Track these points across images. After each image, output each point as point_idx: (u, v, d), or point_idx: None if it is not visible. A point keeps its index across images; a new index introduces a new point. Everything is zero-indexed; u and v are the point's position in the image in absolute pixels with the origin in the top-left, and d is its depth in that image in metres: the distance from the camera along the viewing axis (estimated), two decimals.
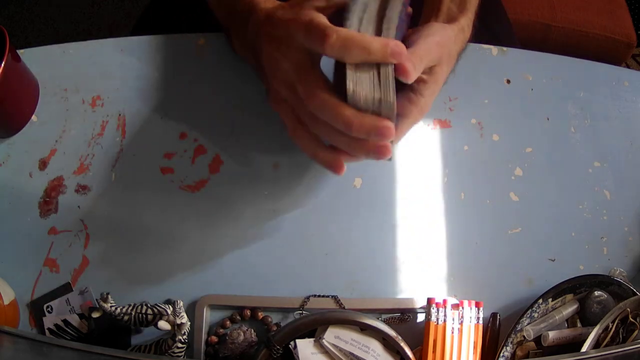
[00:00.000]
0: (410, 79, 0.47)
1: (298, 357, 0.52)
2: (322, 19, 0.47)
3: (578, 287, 0.57)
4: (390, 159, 0.50)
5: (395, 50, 0.45)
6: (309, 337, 0.53)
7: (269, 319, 0.57)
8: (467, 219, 0.62)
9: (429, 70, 0.52)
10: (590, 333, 0.53)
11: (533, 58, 0.69)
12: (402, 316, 0.58)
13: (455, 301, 0.56)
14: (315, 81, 0.48)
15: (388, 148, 0.48)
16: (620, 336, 0.54)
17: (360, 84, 0.46)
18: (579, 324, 0.56)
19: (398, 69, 0.47)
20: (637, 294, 0.55)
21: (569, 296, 0.57)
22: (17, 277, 0.59)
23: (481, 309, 0.55)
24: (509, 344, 0.55)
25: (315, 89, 0.47)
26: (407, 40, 0.52)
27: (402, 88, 0.51)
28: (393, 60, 0.46)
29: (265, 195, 0.61)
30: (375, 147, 0.47)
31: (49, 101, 0.65)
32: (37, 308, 0.58)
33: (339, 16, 0.49)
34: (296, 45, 0.48)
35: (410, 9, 0.53)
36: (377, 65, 0.46)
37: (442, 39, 0.52)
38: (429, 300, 0.55)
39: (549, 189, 0.64)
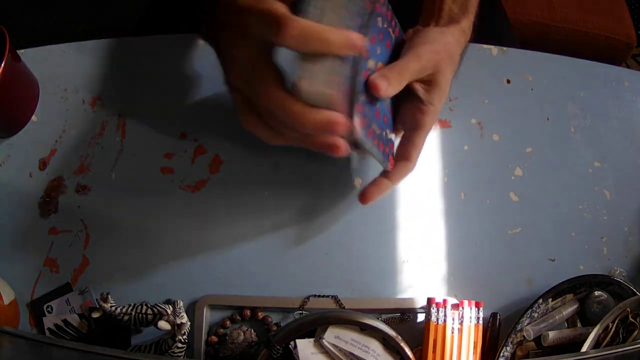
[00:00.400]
0: (384, 94, 0.47)
1: (298, 357, 0.52)
2: (281, 8, 0.44)
3: (578, 287, 0.57)
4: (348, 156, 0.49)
5: (356, 43, 0.43)
6: (309, 337, 0.53)
7: (269, 319, 0.57)
8: (467, 219, 0.62)
9: (430, 78, 0.52)
10: (590, 333, 0.53)
11: (533, 58, 0.69)
12: (402, 316, 0.58)
13: (455, 301, 0.56)
14: (268, 75, 0.45)
15: (337, 145, 0.46)
16: (620, 336, 0.54)
17: (312, 77, 0.43)
18: (579, 324, 0.56)
19: (369, 85, 0.46)
20: (637, 294, 0.55)
21: (569, 296, 0.57)
22: (17, 277, 0.59)
23: (481, 309, 0.55)
24: (509, 344, 0.55)
25: (268, 83, 0.45)
26: (401, 47, 0.53)
27: (410, 101, 0.52)
28: (351, 53, 0.44)
29: (265, 196, 0.61)
30: (325, 144, 0.47)
31: (49, 101, 0.65)
32: (37, 308, 0.58)
33: (299, 5, 0.46)
34: (252, 34, 0.46)
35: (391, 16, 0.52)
36: (333, 58, 0.44)
37: (439, 45, 0.52)
38: (429, 300, 0.55)
39: (549, 189, 0.64)
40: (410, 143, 0.54)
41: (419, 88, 0.52)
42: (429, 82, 0.52)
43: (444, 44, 0.53)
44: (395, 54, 0.53)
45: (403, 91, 0.50)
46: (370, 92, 0.47)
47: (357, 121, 0.45)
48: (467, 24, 0.57)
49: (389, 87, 0.47)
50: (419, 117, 0.53)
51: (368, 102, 0.47)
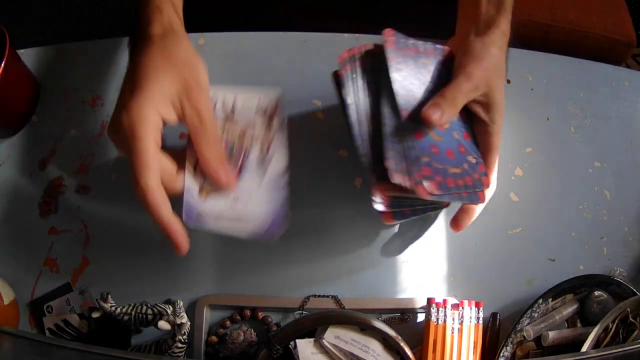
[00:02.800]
0: (439, 124, 0.47)
1: (298, 357, 0.52)
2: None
3: (578, 287, 0.57)
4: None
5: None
6: (309, 337, 0.53)
7: (269, 319, 0.57)
8: None
9: (486, 97, 0.51)
10: (590, 333, 0.53)
11: (533, 58, 0.69)
12: (402, 316, 0.58)
13: (455, 301, 0.56)
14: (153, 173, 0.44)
15: (180, 248, 0.46)
16: (620, 336, 0.54)
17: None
18: (579, 324, 0.56)
19: (423, 118, 0.47)
20: (637, 294, 0.55)
21: (569, 296, 0.57)
22: (17, 277, 0.59)
23: (481, 309, 0.55)
24: (509, 344, 0.55)
25: (149, 186, 0.44)
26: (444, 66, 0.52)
27: (474, 123, 0.53)
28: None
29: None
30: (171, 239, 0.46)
31: (49, 101, 0.65)
32: (37, 308, 0.58)
33: None
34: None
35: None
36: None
37: (487, 61, 0.51)
38: (429, 300, 0.55)
39: (549, 189, 0.64)
40: (486, 166, 0.53)
41: (479, 110, 0.52)
42: (486, 101, 0.52)
43: (490, 58, 0.51)
44: (441, 72, 0.52)
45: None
46: (426, 125, 0.47)
47: (427, 186, 0.46)
48: (505, 24, 0.55)
49: (442, 115, 0.47)
50: (487, 140, 0.53)
51: (434, 154, 0.48)
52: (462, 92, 0.49)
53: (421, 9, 0.74)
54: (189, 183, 0.49)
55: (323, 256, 0.60)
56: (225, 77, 0.66)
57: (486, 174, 0.52)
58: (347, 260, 0.60)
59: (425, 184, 0.46)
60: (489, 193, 0.54)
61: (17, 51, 0.61)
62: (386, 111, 0.49)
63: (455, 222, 0.56)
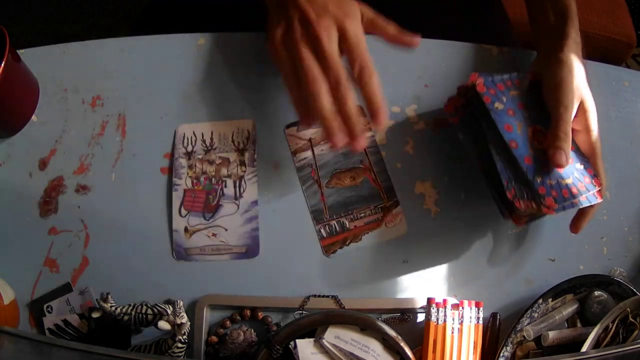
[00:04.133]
0: (567, 163, 0.53)
1: (298, 357, 0.52)
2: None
3: (578, 287, 0.57)
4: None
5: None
6: (309, 337, 0.53)
7: (269, 319, 0.57)
8: (467, 218, 0.62)
9: (579, 108, 0.56)
10: (590, 333, 0.53)
11: (533, 58, 0.69)
12: (402, 316, 0.58)
13: (455, 301, 0.56)
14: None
15: (358, 147, 0.51)
16: (620, 336, 0.54)
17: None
18: (579, 324, 0.56)
19: (554, 164, 0.53)
20: (637, 294, 0.55)
21: (569, 296, 0.57)
22: (17, 277, 0.59)
23: (481, 309, 0.55)
24: (509, 344, 0.55)
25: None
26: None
27: (573, 134, 0.56)
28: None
29: (265, 195, 0.61)
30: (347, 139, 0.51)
31: (49, 101, 0.65)
32: (37, 308, 0.58)
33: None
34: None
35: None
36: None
37: (572, 81, 0.55)
38: (429, 300, 0.55)
39: None
40: (594, 169, 0.56)
41: (578, 122, 0.57)
42: (581, 111, 0.56)
43: (573, 76, 0.55)
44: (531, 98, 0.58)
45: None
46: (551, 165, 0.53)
47: (546, 203, 0.53)
48: (575, 32, 0.58)
49: (566, 154, 0.53)
50: (590, 144, 0.57)
51: (544, 172, 0.54)
52: (568, 122, 0.54)
53: (421, 8, 0.74)
54: (176, 225, 0.59)
55: (323, 256, 0.60)
56: (225, 76, 0.66)
57: (596, 175, 0.56)
58: (347, 260, 0.60)
59: (544, 202, 0.53)
60: (604, 193, 0.57)
61: (17, 51, 0.61)
62: (495, 148, 0.56)
63: (574, 225, 0.58)
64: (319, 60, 0.50)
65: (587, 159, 0.57)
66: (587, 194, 0.54)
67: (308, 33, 0.50)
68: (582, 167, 0.56)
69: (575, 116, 0.56)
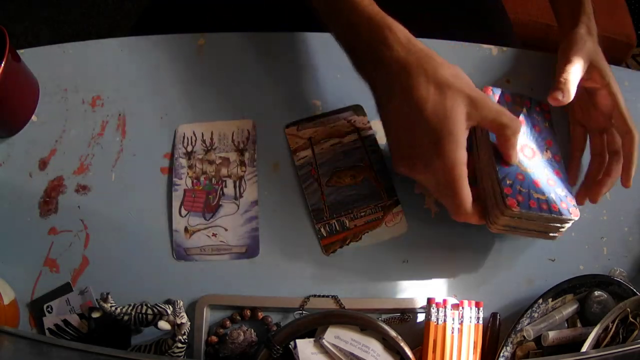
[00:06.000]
0: (567, 99, 0.57)
1: (298, 357, 0.52)
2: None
3: (578, 287, 0.57)
4: None
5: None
6: (309, 337, 0.53)
7: (269, 319, 0.57)
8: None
9: (592, 67, 0.59)
10: (590, 333, 0.53)
11: (533, 58, 0.69)
12: (402, 316, 0.58)
13: (455, 301, 0.56)
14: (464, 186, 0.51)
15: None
16: (620, 336, 0.54)
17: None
18: (579, 324, 0.56)
19: (551, 100, 0.57)
20: (637, 294, 0.55)
21: (569, 296, 0.57)
22: (17, 277, 0.59)
23: (481, 309, 0.55)
24: (509, 344, 0.55)
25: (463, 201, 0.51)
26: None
27: (596, 98, 0.61)
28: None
29: (265, 195, 0.61)
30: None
31: (49, 101, 0.65)
32: (37, 308, 0.58)
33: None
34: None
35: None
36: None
37: (577, 45, 0.58)
38: (429, 300, 0.55)
39: None
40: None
41: (595, 79, 0.60)
42: (593, 71, 0.59)
43: (584, 41, 0.59)
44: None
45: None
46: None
47: (508, 202, 0.52)
48: (588, 7, 0.62)
49: (565, 95, 0.56)
50: (614, 101, 0.58)
51: (518, 180, 0.55)
52: (569, 72, 0.57)
53: (421, 9, 0.74)
54: (176, 225, 0.59)
55: (323, 256, 0.60)
56: (225, 76, 0.66)
57: (576, 206, 0.56)
58: (347, 260, 0.60)
59: (506, 200, 0.53)
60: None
61: (17, 51, 0.61)
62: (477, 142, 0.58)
63: (592, 197, 0.59)
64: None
65: (616, 116, 0.58)
66: (558, 215, 0.55)
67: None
68: (563, 193, 0.56)
69: (590, 76, 0.59)
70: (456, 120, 0.48)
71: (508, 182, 0.54)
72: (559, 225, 0.56)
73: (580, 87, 0.59)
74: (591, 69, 0.59)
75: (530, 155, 0.58)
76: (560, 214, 0.54)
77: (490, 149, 0.56)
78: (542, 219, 0.54)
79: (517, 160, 0.55)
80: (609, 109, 0.60)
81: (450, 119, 0.48)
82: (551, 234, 0.56)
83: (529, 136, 0.59)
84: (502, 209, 0.53)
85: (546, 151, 0.59)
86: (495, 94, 0.61)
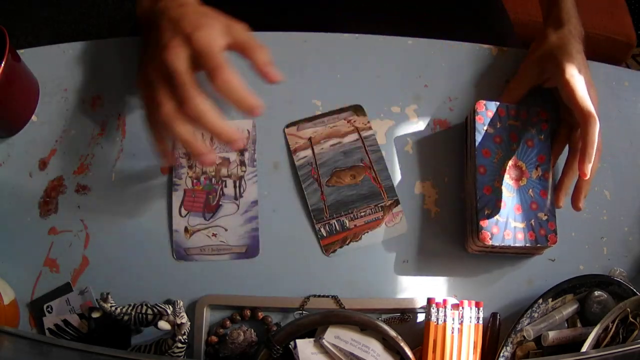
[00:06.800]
0: (513, 100, 0.62)
1: (298, 357, 0.52)
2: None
3: (578, 287, 0.57)
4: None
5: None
6: (309, 337, 0.53)
7: (269, 319, 0.57)
8: (467, 218, 0.61)
9: (552, 62, 0.60)
10: (590, 333, 0.53)
11: None
12: (402, 316, 0.58)
13: (455, 301, 0.56)
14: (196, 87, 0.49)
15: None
16: (620, 336, 0.54)
17: None
18: (579, 324, 0.56)
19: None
20: (637, 294, 0.55)
21: (569, 296, 0.57)
22: (17, 277, 0.59)
23: (481, 309, 0.55)
24: (509, 344, 0.55)
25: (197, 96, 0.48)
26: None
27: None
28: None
29: (265, 195, 0.61)
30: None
31: (49, 101, 0.65)
32: (37, 308, 0.58)
33: None
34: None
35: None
36: None
37: (541, 49, 0.62)
38: (429, 300, 0.55)
39: None
40: (575, 105, 0.56)
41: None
42: (546, 62, 0.60)
43: (546, 35, 0.61)
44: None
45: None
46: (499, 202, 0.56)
47: (481, 236, 0.55)
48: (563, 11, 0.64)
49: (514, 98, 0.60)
50: (564, 84, 0.57)
51: (496, 208, 0.56)
52: (524, 72, 0.62)
53: (421, 9, 0.74)
54: (176, 225, 0.60)
55: (323, 256, 0.60)
56: None
57: (555, 232, 0.57)
58: (347, 260, 0.60)
59: (480, 234, 0.55)
60: (597, 126, 0.56)
61: (17, 51, 0.61)
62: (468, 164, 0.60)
63: (575, 203, 0.58)
64: (170, 85, 0.49)
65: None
66: (535, 244, 0.56)
67: (160, 61, 0.49)
68: (545, 218, 0.57)
69: (544, 68, 0.61)
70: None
71: (486, 212, 0.56)
72: (534, 251, 0.58)
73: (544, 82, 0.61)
74: (546, 62, 0.60)
75: (517, 176, 0.58)
76: (536, 242, 0.56)
77: (474, 175, 0.57)
78: (516, 247, 0.56)
79: None
80: (569, 100, 0.58)
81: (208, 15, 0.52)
82: (529, 254, 0.59)
83: (519, 154, 0.59)
84: (474, 239, 0.56)
85: (536, 169, 0.59)
86: (488, 109, 0.60)
